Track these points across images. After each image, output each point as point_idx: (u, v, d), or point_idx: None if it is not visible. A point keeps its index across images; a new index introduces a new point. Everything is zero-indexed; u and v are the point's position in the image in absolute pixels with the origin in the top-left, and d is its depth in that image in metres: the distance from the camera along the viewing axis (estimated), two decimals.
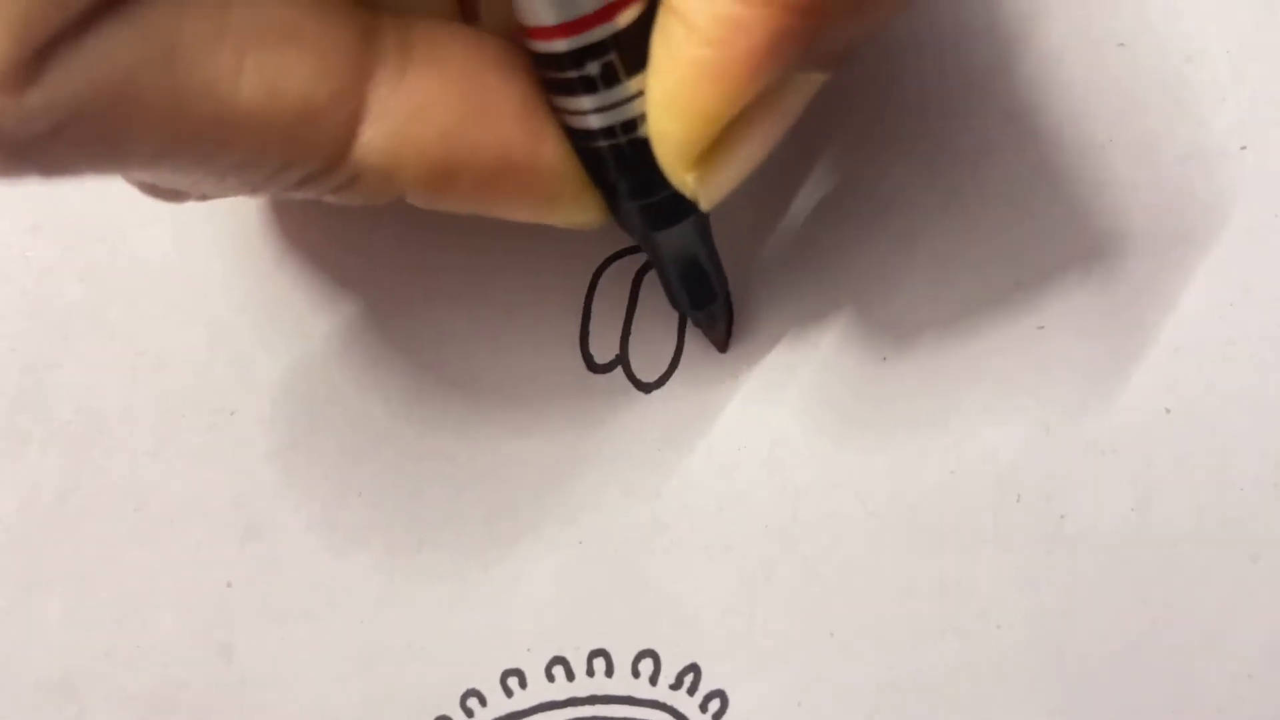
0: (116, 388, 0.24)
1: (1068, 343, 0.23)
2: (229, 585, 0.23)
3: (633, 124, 0.18)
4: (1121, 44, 0.24)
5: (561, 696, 0.23)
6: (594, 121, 0.18)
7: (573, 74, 0.17)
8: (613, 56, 0.17)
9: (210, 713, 0.23)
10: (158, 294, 0.24)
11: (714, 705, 0.23)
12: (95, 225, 0.24)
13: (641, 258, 0.24)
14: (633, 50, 0.17)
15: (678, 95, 0.17)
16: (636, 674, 0.23)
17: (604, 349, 0.24)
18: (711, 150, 0.17)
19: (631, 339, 0.24)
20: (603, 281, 0.24)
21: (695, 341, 0.24)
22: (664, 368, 0.24)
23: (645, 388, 0.24)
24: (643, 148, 0.18)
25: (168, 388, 0.24)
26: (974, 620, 0.23)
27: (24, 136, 0.14)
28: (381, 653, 0.23)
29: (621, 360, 0.24)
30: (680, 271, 0.22)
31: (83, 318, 0.24)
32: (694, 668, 0.23)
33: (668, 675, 0.23)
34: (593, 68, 0.17)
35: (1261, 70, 0.24)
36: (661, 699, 0.23)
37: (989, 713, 0.22)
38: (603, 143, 0.18)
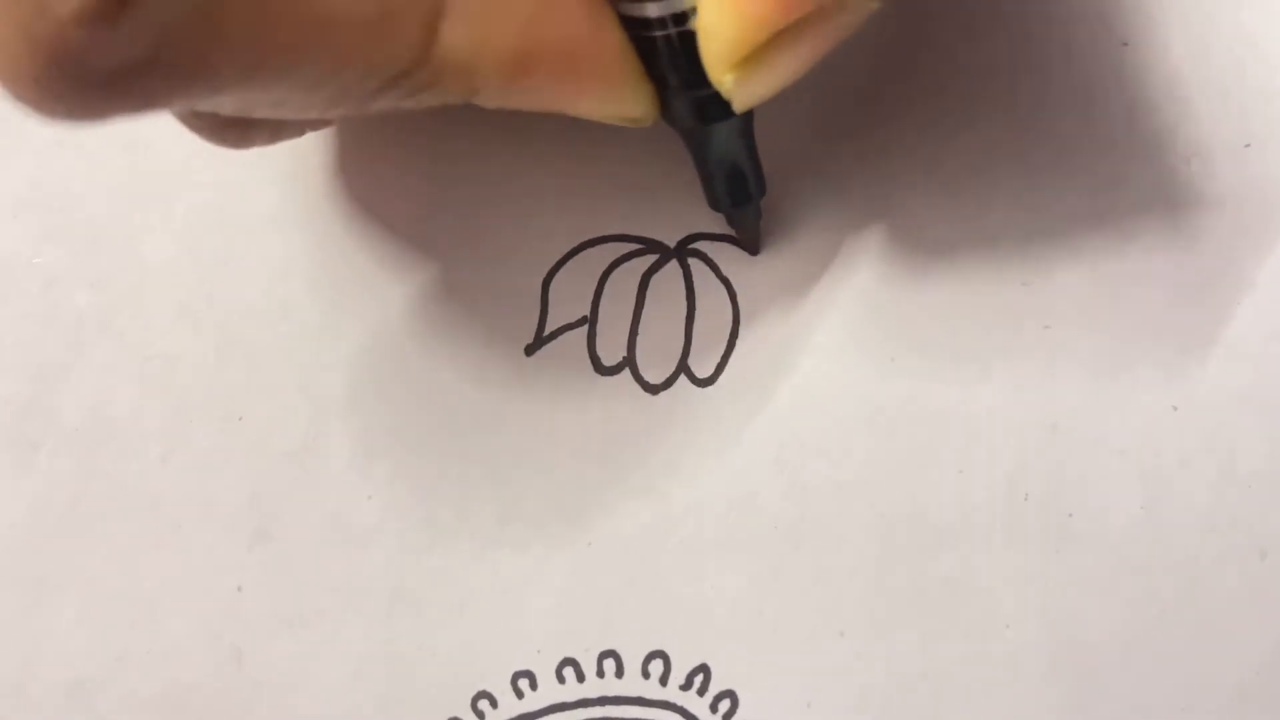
0: (126, 393, 0.24)
1: (1074, 341, 0.23)
2: (239, 589, 0.23)
3: (684, 16, 0.18)
4: (1125, 43, 0.24)
5: (572, 698, 0.23)
6: (650, 10, 0.18)
7: None
8: None
9: (222, 716, 0.23)
10: (166, 299, 0.24)
11: (724, 705, 0.23)
12: (103, 231, 0.24)
13: (647, 260, 0.24)
14: None
15: None
16: (647, 675, 0.23)
17: (611, 351, 0.24)
18: (754, 55, 0.18)
19: (639, 341, 0.24)
20: (609, 283, 0.24)
21: (702, 344, 0.24)
22: (671, 369, 0.24)
23: (653, 389, 0.24)
24: (694, 40, 0.18)
25: (177, 393, 0.24)
26: (983, 619, 0.23)
27: (120, 68, 0.14)
28: (392, 655, 0.23)
29: (629, 362, 0.24)
30: (724, 169, 0.22)
31: (91, 324, 0.24)
32: (704, 668, 0.23)
33: (678, 676, 0.23)
34: None
35: (1264, 67, 0.24)
36: (672, 700, 0.23)
37: (999, 711, 0.22)
38: (657, 33, 0.19)
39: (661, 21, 0.18)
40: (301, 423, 0.24)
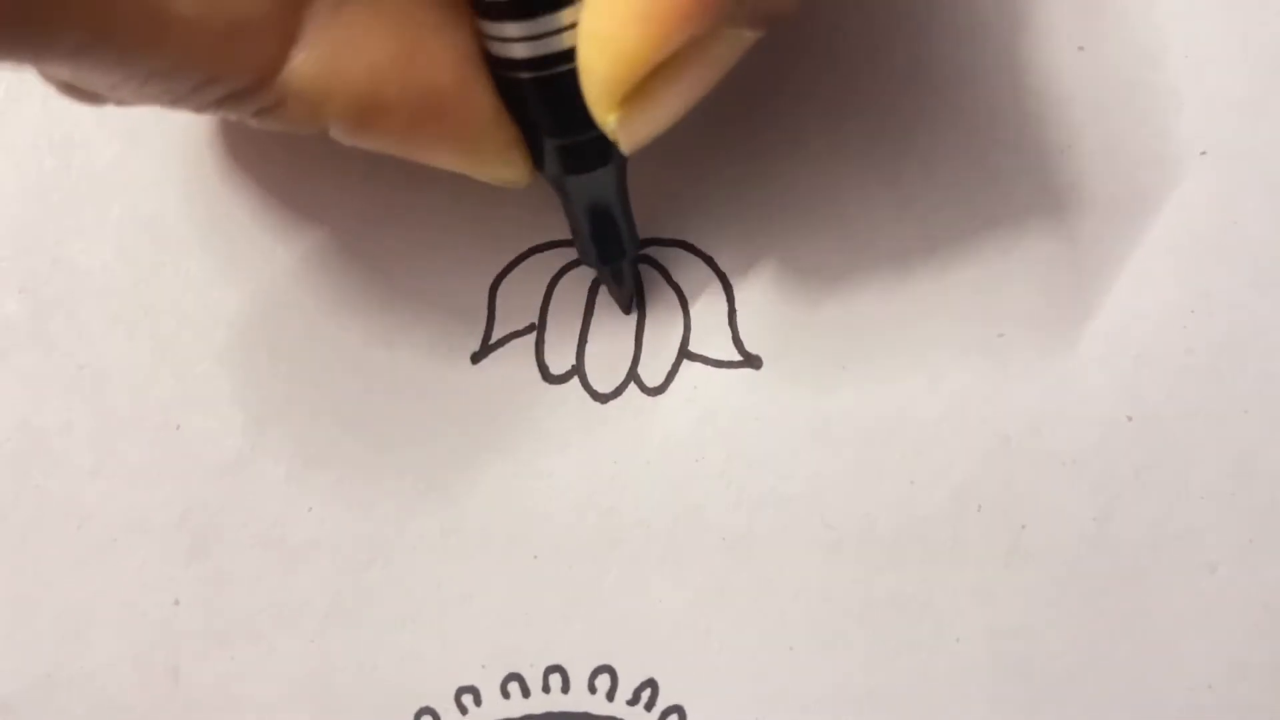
0: (56, 403, 0.23)
1: (1027, 351, 0.23)
2: (175, 604, 0.23)
3: (558, 57, 0.18)
4: (1081, 48, 0.24)
5: (517, 714, 0.23)
6: (519, 51, 0.18)
7: None
8: None
9: None
10: (98, 307, 0.23)
11: None
12: (34, 236, 0.24)
13: None
14: None
15: (610, 32, 0.17)
16: (593, 690, 0.23)
17: (560, 359, 0.24)
18: (636, 93, 0.17)
19: (588, 349, 0.24)
20: (558, 291, 0.24)
21: (652, 352, 0.24)
22: (620, 378, 0.24)
23: (601, 398, 0.24)
24: (566, 83, 0.18)
25: (109, 403, 0.23)
26: (933, 633, 0.22)
27: None
28: (332, 672, 0.23)
29: (578, 370, 0.24)
30: (592, 222, 0.22)
31: (21, 331, 0.23)
32: (651, 683, 0.23)
33: (625, 691, 0.23)
34: None
35: (1220, 75, 0.23)
36: (619, 715, 0.23)
37: None
38: (526, 74, 0.18)
39: (533, 62, 0.18)
40: (239, 433, 0.23)
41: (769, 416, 0.23)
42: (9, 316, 0.23)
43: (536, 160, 0.20)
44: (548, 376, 0.24)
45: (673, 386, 0.23)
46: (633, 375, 0.24)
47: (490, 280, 0.24)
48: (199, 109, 0.18)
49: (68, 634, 0.23)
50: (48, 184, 0.24)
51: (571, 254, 0.24)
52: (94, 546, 0.23)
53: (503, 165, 0.20)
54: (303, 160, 0.24)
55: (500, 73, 0.19)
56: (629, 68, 0.17)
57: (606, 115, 0.18)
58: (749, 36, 0.18)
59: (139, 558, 0.23)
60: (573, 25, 0.17)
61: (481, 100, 0.18)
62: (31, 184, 0.24)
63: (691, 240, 0.24)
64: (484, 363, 0.24)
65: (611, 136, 0.18)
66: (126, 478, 0.23)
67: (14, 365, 0.23)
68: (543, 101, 0.19)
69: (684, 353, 0.24)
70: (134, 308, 0.23)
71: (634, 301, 0.24)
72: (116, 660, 0.23)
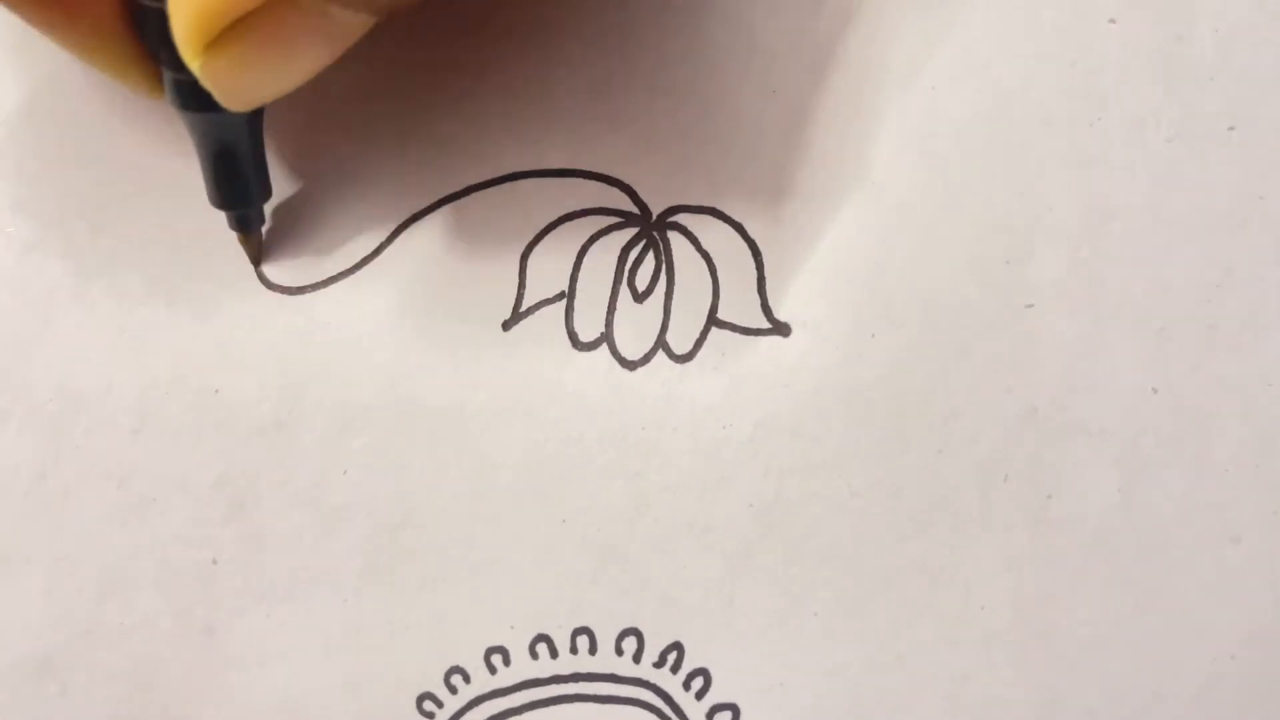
0: (97, 365, 0.24)
1: (1055, 322, 0.23)
2: (213, 563, 0.23)
3: None
4: (1112, 20, 0.24)
5: (545, 674, 0.23)
6: None
7: None
8: None
9: (192, 691, 0.23)
10: (140, 271, 0.24)
11: (697, 683, 0.23)
12: (77, 202, 0.24)
13: (626, 235, 0.24)
14: None
15: None
16: (620, 652, 0.23)
17: (589, 326, 0.24)
18: (221, 44, 0.17)
19: (616, 317, 0.24)
20: (588, 259, 0.24)
21: (681, 320, 0.24)
22: (649, 346, 0.24)
23: (630, 365, 0.24)
24: None
25: (150, 365, 0.24)
26: (957, 601, 0.23)
27: None
28: (365, 631, 0.23)
29: (607, 338, 0.24)
30: (213, 164, 0.21)
31: (64, 294, 0.24)
32: (677, 646, 0.23)
33: (651, 653, 0.23)
34: None
35: (1250, 50, 0.23)
36: (645, 677, 0.23)
37: (972, 693, 0.22)
38: (148, 2, 0.18)
39: None
40: (277, 396, 0.23)
41: (797, 384, 0.23)
42: (52, 280, 0.24)
43: (166, 90, 0.20)
44: (577, 344, 0.24)
45: (701, 354, 0.24)
46: (661, 343, 0.24)
47: (521, 248, 0.24)
48: None
49: (106, 591, 0.23)
50: (90, 152, 0.24)
51: (601, 222, 0.24)
52: (133, 506, 0.23)
53: (129, 79, 0.20)
54: (340, 127, 0.24)
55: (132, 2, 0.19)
56: (208, 16, 0.17)
57: (192, 60, 0.18)
58: (364, 20, 0.18)
59: (178, 517, 0.23)
60: None
61: (105, 8, 0.19)
62: (74, 152, 0.24)
63: (721, 207, 0.24)
64: (515, 330, 0.24)
65: (203, 83, 0.18)
66: (165, 439, 0.23)
67: (57, 328, 0.24)
68: (156, 32, 0.19)
69: (712, 320, 0.24)
70: (174, 272, 0.24)
71: (261, 259, 0.24)
72: (154, 617, 0.23)
